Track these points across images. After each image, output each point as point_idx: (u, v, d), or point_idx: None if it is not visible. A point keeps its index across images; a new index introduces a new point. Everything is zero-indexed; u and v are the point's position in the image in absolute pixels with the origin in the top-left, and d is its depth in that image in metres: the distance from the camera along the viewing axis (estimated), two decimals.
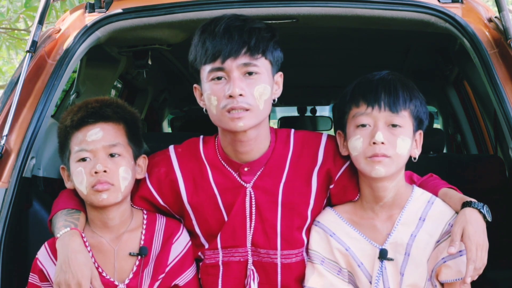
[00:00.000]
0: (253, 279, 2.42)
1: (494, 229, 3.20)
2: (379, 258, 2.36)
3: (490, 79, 2.60)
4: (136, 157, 2.44)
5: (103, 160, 2.33)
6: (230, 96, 2.27)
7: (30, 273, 2.42)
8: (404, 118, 2.32)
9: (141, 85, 4.67)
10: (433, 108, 6.11)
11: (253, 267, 2.43)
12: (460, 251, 2.28)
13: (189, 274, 2.46)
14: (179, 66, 4.58)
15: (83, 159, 2.34)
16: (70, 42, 2.81)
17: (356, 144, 2.32)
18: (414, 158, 2.39)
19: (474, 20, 2.76)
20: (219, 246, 2.44)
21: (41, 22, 2.72)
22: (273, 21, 2.84)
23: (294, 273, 2.45)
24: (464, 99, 4.79)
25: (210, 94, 2.32)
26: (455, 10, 2.77)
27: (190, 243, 2.48)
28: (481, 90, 3.62)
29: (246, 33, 2.30)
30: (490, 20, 2.80)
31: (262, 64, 2.32)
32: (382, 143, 2.28)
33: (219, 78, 2.30)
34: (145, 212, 2.48)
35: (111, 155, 2.35)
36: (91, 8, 2.94)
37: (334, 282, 2.40)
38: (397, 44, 4.11)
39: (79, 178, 2.34)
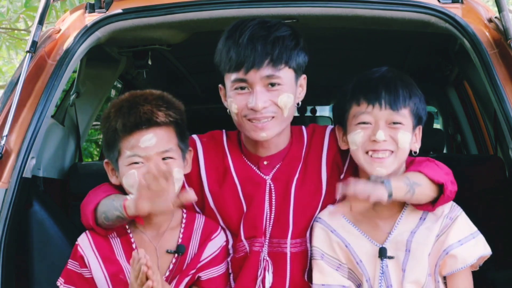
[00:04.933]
0: (268, 270, 2.45)
1: (494, 229, 3.20)
2: (379, 256, 2.36)
3: (490, 79, 2.60)
4: (184, 155, 2.44)
5: None
6: (252, 109, 2.34)
7: (70, 260, 2.42)
8: (405, 117, 2.34)
9: (141, 85, 4.67)
10: (433, 108, 6.10)
11: (268, 258, 2.46)
12: (465, 237, 2.32)
13: (214, 272, 2.46)
14: (179, 66, 4.58)
15: (136, 163, 2.34)
16: (70, 42, 2.81)
17: (356, 138, 2.34)
18: (415, 152, 2.42)
19: (474, 21, 2.76)
20: (243, 237, 2.47)
21: (41, 22, 2.72)
22: None
23: (301, 264, 2.48)
24: (464, 99, 4.79)
25: (232, 102, 2.40)
26: (455, 10, 2.77)
27: (225, 243, 2.50)
28: (481, 90, 3.62)
29: (270, 44, 2.34)
30: (490, 20, 2.80)
31: (285, 75, 2.37)
32: (384, 141, 2.30)
33: (242, 88, 2.37)
34: (184, 211, 2.49)
35: (163, 158, 2.35)
36: (91, 8, 2.94)
37: (335, 275, 2.42)
38: (397, 44, 4.11)
39: (131, 180, 2.34)
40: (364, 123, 2.34)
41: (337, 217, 2.44)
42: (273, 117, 2.37)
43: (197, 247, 2.44)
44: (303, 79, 2.48)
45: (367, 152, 2.33)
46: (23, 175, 2.57)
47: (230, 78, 2.38)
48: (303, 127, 2.61)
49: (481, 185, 3.34)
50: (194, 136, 2.59)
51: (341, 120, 2.45)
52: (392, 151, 2.32)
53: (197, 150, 2.55)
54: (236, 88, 2.38)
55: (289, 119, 2.44)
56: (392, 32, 3.04)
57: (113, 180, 2.45)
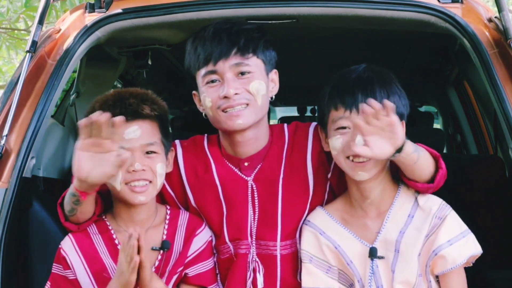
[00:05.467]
0: (259, 271, 2.44)
1: (494, 229, 3.21)
2: (369, 256, 2.36)
3: (490, 79, 2.60)
4: (167, 153, 2.44)
5: (140, 158, 2.33)
6: (225, 97, 2.32)
7: (54, 263, 2.42)
8: None
9: (141, 85, 4.67)
10: (433, 108, 6.10)
11: (257, 259, 2.44)
12: (455, 237, 2.30)
13: (200, 267, 2.45)
14: (179, 66, 4.58)
15: None
16: (70, 42, 2.81)
17: (336, 144, 2.31)
18: None
19: (474, 20, 2.76)
20: (227, 239, 2.46)
21: (41, 22, 2.72)
22: (273, 21, 2.84)
23: (292, 265, 2.46)
24: (464, 99, 4.78)
25: (205, 96, 2.39)
26: (455, 10, 2.77)
27: (210, 238, 2.49)
28: (481, 90, 3.62)
29: (235, 34, 2.37)
30: (490, 20, 2.80)
31: (254, 63, 2.38)
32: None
33: (213, 81, 2.38)
34: (168, 208, 2.50)
35: (147, 152, 2.35)
36: (91, 8, 2.94)
37: (324, 278, 2.41)
38: (397, 44, 4.10)
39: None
40: (343, 127, 2.30)
41: (326, 218, 2.43)
42: (247, 104, 2.35)
43: (182, 243, 2.43)
44: (274, 74, 2.48)
45: (348, 157, 2.29)
46: (23, 175, 2.57)
47: (201, 73, 2.39)
48: (285, 125, 2.59)
49: (481, 185, 3.34)
50: (176, 141, 2.59)
51: (321, 123, 2.42)
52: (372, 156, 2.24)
53: (177, 153, 2.54)
54: (207, 82, 2.38)
55: (264, 109, 2.42)
56: (392, 32, 3.04)
57: None
